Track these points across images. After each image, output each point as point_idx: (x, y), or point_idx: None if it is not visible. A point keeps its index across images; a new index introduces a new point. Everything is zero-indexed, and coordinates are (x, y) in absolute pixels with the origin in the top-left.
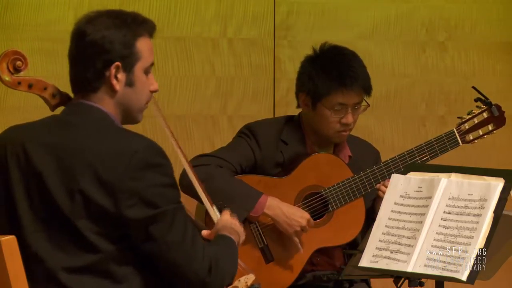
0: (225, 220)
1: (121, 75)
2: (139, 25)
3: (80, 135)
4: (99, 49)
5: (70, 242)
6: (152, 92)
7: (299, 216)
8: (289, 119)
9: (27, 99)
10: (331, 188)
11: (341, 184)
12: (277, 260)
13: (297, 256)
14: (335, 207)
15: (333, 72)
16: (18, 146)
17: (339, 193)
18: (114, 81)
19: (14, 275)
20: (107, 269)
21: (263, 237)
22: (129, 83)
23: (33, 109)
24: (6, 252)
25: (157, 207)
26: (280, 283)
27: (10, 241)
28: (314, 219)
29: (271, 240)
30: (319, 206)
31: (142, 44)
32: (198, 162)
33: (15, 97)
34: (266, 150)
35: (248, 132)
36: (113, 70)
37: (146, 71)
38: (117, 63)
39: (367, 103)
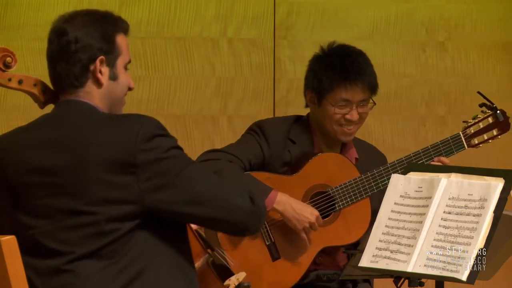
0: None
1: (104, 69)
2: (115, 21)
3: (78, 126)
4: (83, 44)
5: (80, 231)
6: (130, 89)
7: (308, 212)
8: (298, 119)
9: (27, 98)
10: (338, 188)
11: (348, 184)
12: (284, 258)
13: (303, 255)
14: (341, 207)
15: (336, 68)
16: (14, 150)
17: (346, 192)
18: (99, 75)
19: (14, 275)
20: (118, 250)
21: (271, 234)
22: (113, 77)
23: (33, 108)
24: (6, 252)
25: (173, 171)
26: (285, 281)
27: (10, 241)
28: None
29: (278, 238)
30: (325, 205)
31: (121, 40)
32: (207, 157)
33: (16, 96)
34: (275, 148)
35: (258, 129)
36: (98, 64)
37: (126, 67)
38: (101, 57)
39: (373, 101)
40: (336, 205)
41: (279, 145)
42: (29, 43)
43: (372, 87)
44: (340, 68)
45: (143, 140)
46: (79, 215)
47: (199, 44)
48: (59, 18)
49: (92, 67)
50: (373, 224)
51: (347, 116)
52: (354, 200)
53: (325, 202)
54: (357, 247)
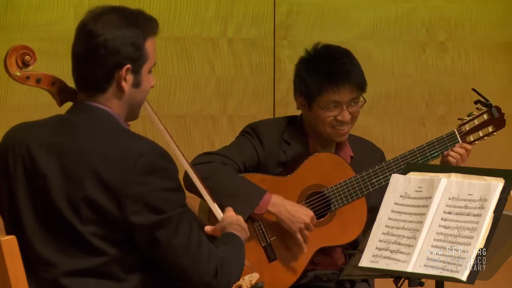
0: (230, 216)
1: (129, 77)
2: (146, 24)
3: (85, 136)
4: (111, 51)
5: (73, 245)
6: (151, 87)
7: (303, 213)
8: (292, 119)
9: (27, 98)
10: (334, 188)
11: (343, 184)
12: (280, 259)
13: (300, 256)
14: (337, 207)
15: (322, 71)
16: (23, 146)
17: (341, 192)
18: (123, 83)
19: (14, 275)
20: (111, 271)
21: (267, 236)
22: (136, 84)
23: (34, 108)
24: (6, 252)
25: (162, 212)
26: (282, 282)
27: (10, 241)
28: (317, 219)
29: (274, 239)
30: (321, 206)
31: (150, 45)
32: (202, 160)
33: (16, 96)
34: (269, 149)
35: (252, 131)
36: (123, 72)
37: (150, 71)
38: (128, 65)
39: (363, 99)
40: (332, 205)
41: (273, 147)
42: (29, 43)
43: (361, 86)
44: (325, 72)
45: (142, 171)
46: (69, 228)
47: (199, 44)
48: (89, 15)
49: (117, 75)
50: (369, 223)
51: (339, 118)
52: (350, 200)
53: (320, 202)
54: (354, 246)
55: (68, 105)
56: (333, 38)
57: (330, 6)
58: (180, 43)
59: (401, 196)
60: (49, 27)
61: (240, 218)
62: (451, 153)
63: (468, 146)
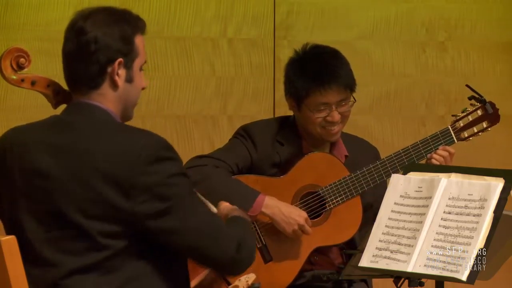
0: (227, 205)
1: (121, 71)
2: (134, 22)
3: (84, 135)
4: (102, 45)
5: (75, 244)
6: (142, 89)
7: (296, 214)
8: (285, 120)
9: (27, 98)
10: (328, 187)
11: (337, 183)
12: (276, 260)
13: (295, 256)
14: (332, 206)
15: (309, 73)
16: (22, 147)
17: (336, 192)
18: (116, 77)
19: (14, 275)
20: (114, 265)
21: (261, 237)
22: (129, 79)
23: (33, 109)
24: (6, 252)
25: (170, 198)
26: (279, 283)
27: (10, 241)
28: (312, 219)
29: (270, 240)
30: (316, 205)
31: (139, 41)
32: (194, 163)
33: (16, 96)
34: (262, 150)
35: (244, 133)
36: (116, 66)
37: (141, 68)
38: (120, 59)
39: (353, 98)
40: (327, 204)
41: (267, 148)
42: (29, 43)
43: (349, 86)
44: (313, 73)
45: (146, 162)
46: (72, 226)
47: (199, 44)
48: (77, 15)
49: (109, 69)
50: (364, 222)
51: (328, 118)
52: (345, 199)
53: (315, 202)
54: (350, 245)
55: (64, 107)
56: (333, 38)
57: (330, 6)
58: (180, 43)
59: (401, 196)
60: (49, 27)
61: (236, 207)
62: (435, 155)
63: (451, 150)
